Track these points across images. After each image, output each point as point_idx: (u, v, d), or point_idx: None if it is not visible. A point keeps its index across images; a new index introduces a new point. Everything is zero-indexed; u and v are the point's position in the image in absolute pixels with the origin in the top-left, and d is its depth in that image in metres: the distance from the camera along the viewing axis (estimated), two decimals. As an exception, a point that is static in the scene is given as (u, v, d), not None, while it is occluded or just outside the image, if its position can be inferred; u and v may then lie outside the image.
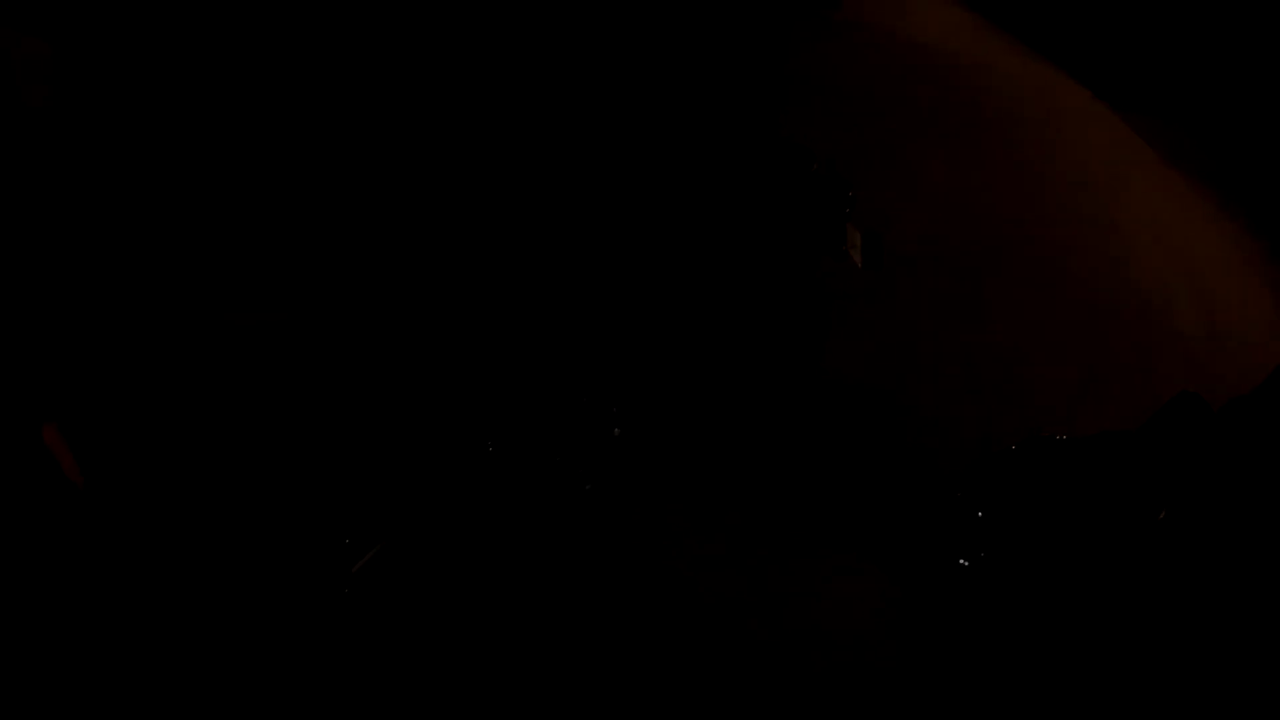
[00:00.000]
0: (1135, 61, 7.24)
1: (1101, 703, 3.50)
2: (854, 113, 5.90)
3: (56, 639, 3.30)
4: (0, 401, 3.38)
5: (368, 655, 3.54)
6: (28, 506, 3.35)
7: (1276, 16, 6.99)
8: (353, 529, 3.69)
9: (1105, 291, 5.59)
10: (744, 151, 4.71)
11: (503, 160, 4.59)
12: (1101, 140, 6.46)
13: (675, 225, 4.62)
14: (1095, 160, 6.28)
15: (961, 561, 3.77)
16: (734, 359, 4.61)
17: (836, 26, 6.26)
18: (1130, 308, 5.54)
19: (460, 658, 3.58)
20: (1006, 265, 5.57)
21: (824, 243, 4.67)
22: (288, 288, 4.33)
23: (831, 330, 4.79)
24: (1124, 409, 4.15)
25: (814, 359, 4.72)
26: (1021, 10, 7.18)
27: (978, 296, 5.38)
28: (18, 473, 3.33)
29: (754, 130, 4.82)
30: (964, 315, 5.29)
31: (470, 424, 3.96)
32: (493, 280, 4.46)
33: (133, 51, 4.48)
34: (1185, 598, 3.43)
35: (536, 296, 4.45)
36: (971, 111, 6.17)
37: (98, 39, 4.46)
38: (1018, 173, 5.99)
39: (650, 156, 4.71)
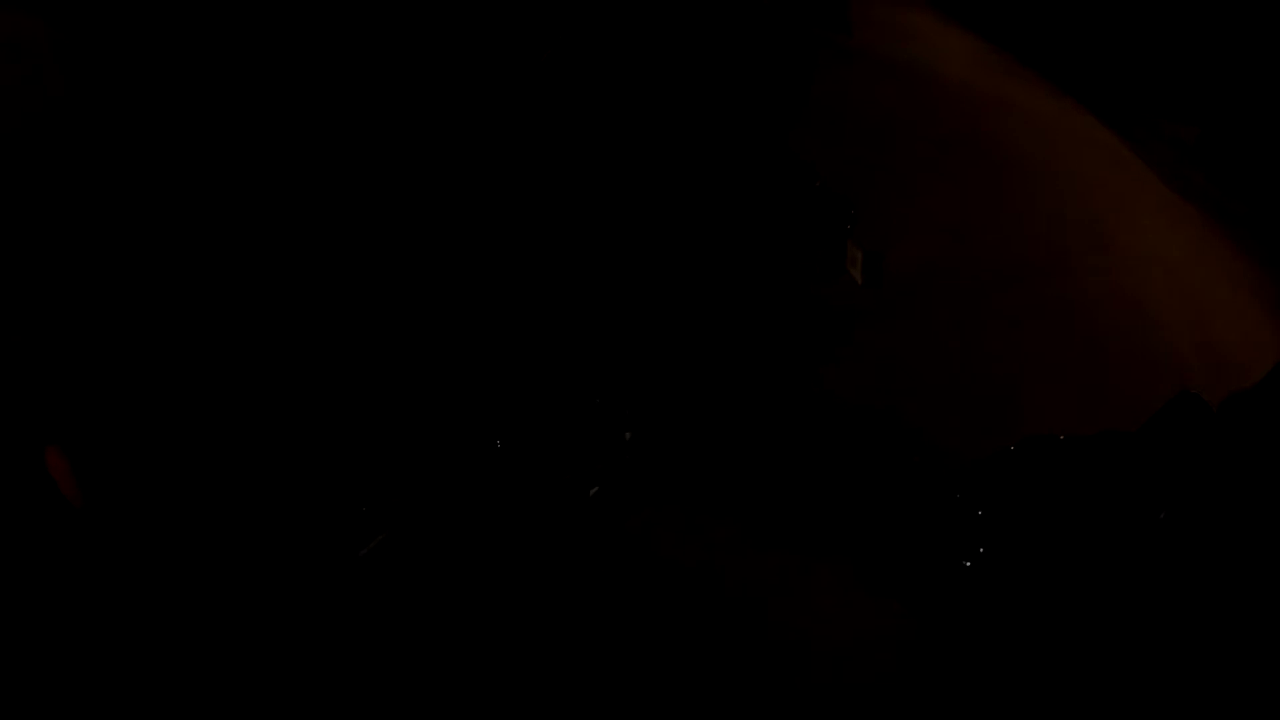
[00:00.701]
0: (1144, 83, 7.33)
1: (1102, 703, 3.50)
2: (859, 137, 5.97)
3: (57, 645, 3.29)
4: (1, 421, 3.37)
5: (366, 648, 3.55)
6: (26, 527, 3.32)
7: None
8: (358, 518, 3.70)
9: (1105, 314, 5.63)
10: (748, 165, 4.77)
11: (516, 159, 4.64)
12: (1107, 169, 6.54)
13: (683, 231, 4.68)
14: (1099, 188, 6.35)
15: (964, 563, 3.79)
16: (733, 367, 4.64)
17: (847, 53, 6.36)
18: (1130, 330, 5.58)
19: (451, 653, 3.59)
20: (1008, 290, 5.62)
21: (824, 258, 4.72)
22: (292, 283, 4.35)
23: (831, 346, 4.83)
24: (1121, 424, 4.17)
25: (812, 370, 4.76)
26: (1033, 34, 7.27)
27: (978, 320, 5.42)
28: (16, 494, 3.31)
29: (760, 145, 4.89)
30: (964, 337, 5.33)
31: (480, 420, 3.96)
32: (507, 278, 4.50)
33: (132, 46, 4.50)
34: (1185, 598, 3.44)
35: (549, 295, 4.48)
36: (979, 140, 6.25)
37: (97, 28, 4.47)
38: (1023, 200, 6.06)
39: (666, 167, 4.76)
